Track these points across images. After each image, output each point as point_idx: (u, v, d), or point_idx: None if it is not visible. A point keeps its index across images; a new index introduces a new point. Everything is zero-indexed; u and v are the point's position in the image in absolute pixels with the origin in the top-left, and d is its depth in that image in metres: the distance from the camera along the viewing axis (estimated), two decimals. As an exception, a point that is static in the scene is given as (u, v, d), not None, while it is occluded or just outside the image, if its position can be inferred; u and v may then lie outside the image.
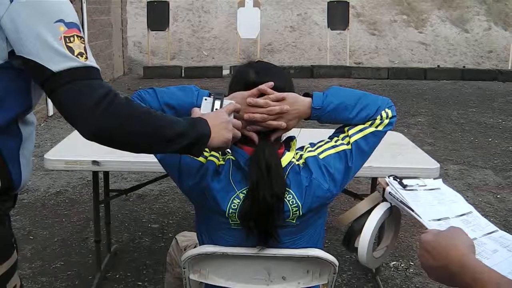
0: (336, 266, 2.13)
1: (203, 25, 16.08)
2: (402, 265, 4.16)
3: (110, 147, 1.63)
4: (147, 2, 14.01)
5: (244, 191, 1.96)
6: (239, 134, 1.87)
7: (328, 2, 14.25)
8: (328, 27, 14.02)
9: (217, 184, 1.99)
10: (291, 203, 1.98)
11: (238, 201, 1.97)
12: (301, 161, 2.05)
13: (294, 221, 2.02)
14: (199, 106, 1.97)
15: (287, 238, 2.05)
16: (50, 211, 5.00)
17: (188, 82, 12.14)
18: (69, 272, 3.95)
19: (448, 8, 16.92)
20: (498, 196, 5.60)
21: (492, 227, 1.58)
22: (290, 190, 1.98)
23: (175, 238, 2.73)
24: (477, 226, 1.57)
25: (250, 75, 2.06)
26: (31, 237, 4.46)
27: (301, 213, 2.00)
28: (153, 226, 4.71)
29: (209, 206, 2.02)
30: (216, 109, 1.92)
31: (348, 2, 14.32)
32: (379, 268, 3.97)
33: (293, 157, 2.05)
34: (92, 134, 1.55)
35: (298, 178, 2.01)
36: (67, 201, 5.25)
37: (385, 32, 16.13)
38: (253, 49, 14.39)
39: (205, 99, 1.93)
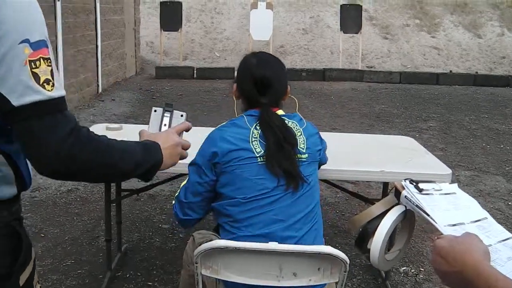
0: (347, 263, 2.16)
1: (215, 26, 16.11)
2: (412, 270, 4.15)
3: (70, 181, 1.60)
4: (160, 2, 14.04)
5: (258, 125, 2.49)
6: (186, 155, 1.85)
7: (341, 5, 14.24)
8: (340, 30, 14.01)
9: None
10: (295, 129, 2.53)
11: (256, 131, 2.48)
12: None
13: (304, 150, 2.51)
14: None
15: (304, 171, 2.48)
16: (61, 210, 5.02)
17: (200, 83, 12.19)
18: (79, 271, 3.97)
19: (461, 13, 16.88)
20: (510, 203, 5.58)
21: (507, 234, 1.57)
22: (292, 120, 2.57)
23: (192, 235, 2.76)
24: (492, 233, 1.57)
25: (253, 68, 2.66)
26: (42, 235, 4.48)
27: (304, 138, 2.54)
28: (163, 226, 4.72)
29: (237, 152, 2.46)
30: (164, 125, 1.88)
31: (361, 6, 14.31)
32: (389, 273, 3.96)
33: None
34: (54, 173, 1.45)
35: (293, 116, 2.62)
36: (78, 199, 5.27)
37: (398, 36, 16.10)
38: (266, 50, 14.36)
39: (154, 111, 1.91)
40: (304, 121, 2.63)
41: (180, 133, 1.83)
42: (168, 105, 1.91)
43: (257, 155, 2.43)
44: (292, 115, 2.62)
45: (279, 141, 2.44)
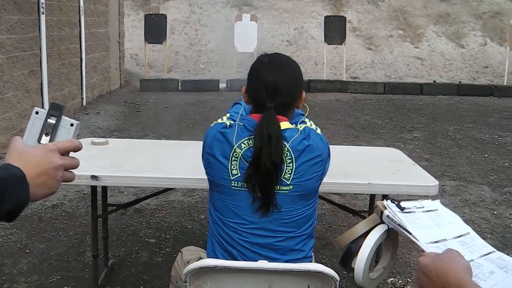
0: (337, 281, 2.16)
1: (200, 38, 16.13)
2: (399, 281, 4.16)
3: None
4: (145, 15, 14.06)
5: (245, 141, 2.29)
6: (73, 177, 1.38)
7: (325, 17, 14.33)
8: (324, 41, 14.08)
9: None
10: (285, 155, 2.28)
11: (239, 150, 2.28)
12: (300, 127, 2.40)
13: (289, 182, 2.28)
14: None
15: (285, 204, 2.30)
16: (46, 225, 4.98)
17: (185, 95, 12.18)
18: (65, 287, 3.93)
19: (444, 23, 17.01)
20: (495, 212, 5.60)
21: (490, 248, 1.59)
22: (285, 143, 2.28)
23: (181, 251, 2.74)
24: (474, 248, 1.59)
25: (263, 69, 2.44)
26: (27, 251, 4.45)
27: (294, 167, 2.28)
28: (150, 240, 4.70)
29: (216, 168, 2.34)
30: (46, 134, 1.37)
31: (345, 17, 14.41)
32: (377, 285, 3.96)
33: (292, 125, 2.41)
34: None
35: (294, 135, 2.32)
36: (63, 214, 5.24)
37: (382, 46, 16.20)
38: (250, 62, 14.34)
39: (36, 112, 1.39)
40: (309, 139, 2.34)
41: (65, 153, 1.35)
42: (55, 108, 1.39)
43: (232, 178, 2.30)
44: (293, 132, 2.34)
45: (265, 163, 2.21)
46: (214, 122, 2.50)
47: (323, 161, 2.37)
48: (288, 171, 2.28)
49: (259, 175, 2.23)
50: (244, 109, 2.67)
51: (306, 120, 2.54)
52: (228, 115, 2.58)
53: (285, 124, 2.35)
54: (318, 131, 2.46)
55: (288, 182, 2.28)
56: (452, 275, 1.31)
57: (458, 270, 1.33)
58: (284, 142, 2.28)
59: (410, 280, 4.18)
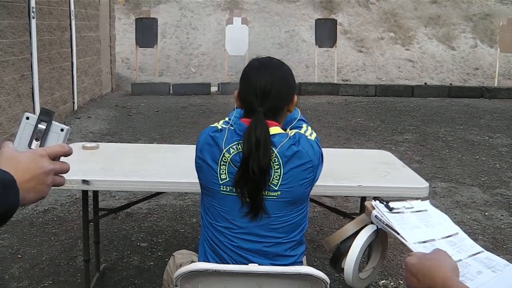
0: (327, 283, 2.16)
1: (191, 41, 16.12)
2: (391, 283, 4.17)
3: None
4: (136, 18, 14.06)
5: (234, 146, 2.28)
6: (63, 182, 1.38)
7: (315, 20, 14.35)
8: (315, 44, 14.10)
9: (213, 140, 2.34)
10: (273, 161, 2.25)
11: (228, 155, 2.27)
12: (291, 133, 2.37)
13: (277, 187, 2.26)
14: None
15: (273, 210, 2.29)
16: (38, 229, 4.97)
17: (176, 98, 12.17)
18: (57, 292, 3.93)
19: (434, 26, 17.06)
20: (486, 213, 5.62)
21: (478, 248, 1.60)
22: (273, 149, 2.25)
23: (173, 255, 2.74)
24: (462, 248, 1.60)
25: (253, 73, 2.40)
26: (19, 256, 4.43)
27: (282, 172, 2.26)
28: (142, 244, 4.69)
29: (206, 172, 2.34)
30: (36, 139, 1.38)
31: (336, 20, 14.42)
32: (369, 286, 3.97)
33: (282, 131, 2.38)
34: None
35: (283, 141, 2.30)
36: (55, 219, 5.22)
37: (372, 49, 16.23)
38: (241, 66, 14.41)
39: (27, 118, 1.39)
40: (298, 145, 2.30)
41: (55, 158, 1.35)
42: (45, 113, 1.39)
43: (221, 183, 2.29)
44: (282, 137, 2.31)
45: (253, 168, 2.20)
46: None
47: (313, 167, 2.33)
48: (276, 177, 2.26)
49: (247, 180, 2.22)
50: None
51: (304, 125, 2.50)
52: (226, 119, 2.53)
53: (275, 129, 2.32)
54: (313, 136, 2.42)
55: (276, 188, 2.27)
56: (439, 275, 1.33)
57: (445, 269, 1.34)
58: (273, 148, 2.25)
59: (401, 282, 4.18)
